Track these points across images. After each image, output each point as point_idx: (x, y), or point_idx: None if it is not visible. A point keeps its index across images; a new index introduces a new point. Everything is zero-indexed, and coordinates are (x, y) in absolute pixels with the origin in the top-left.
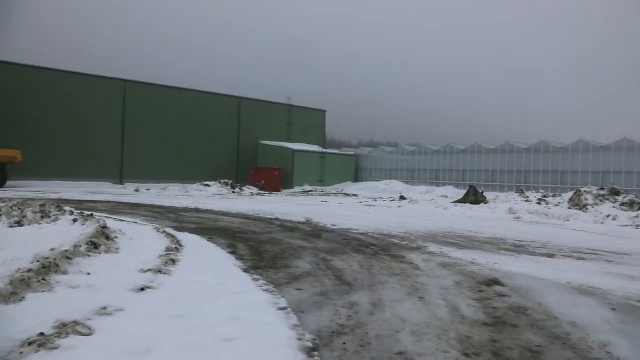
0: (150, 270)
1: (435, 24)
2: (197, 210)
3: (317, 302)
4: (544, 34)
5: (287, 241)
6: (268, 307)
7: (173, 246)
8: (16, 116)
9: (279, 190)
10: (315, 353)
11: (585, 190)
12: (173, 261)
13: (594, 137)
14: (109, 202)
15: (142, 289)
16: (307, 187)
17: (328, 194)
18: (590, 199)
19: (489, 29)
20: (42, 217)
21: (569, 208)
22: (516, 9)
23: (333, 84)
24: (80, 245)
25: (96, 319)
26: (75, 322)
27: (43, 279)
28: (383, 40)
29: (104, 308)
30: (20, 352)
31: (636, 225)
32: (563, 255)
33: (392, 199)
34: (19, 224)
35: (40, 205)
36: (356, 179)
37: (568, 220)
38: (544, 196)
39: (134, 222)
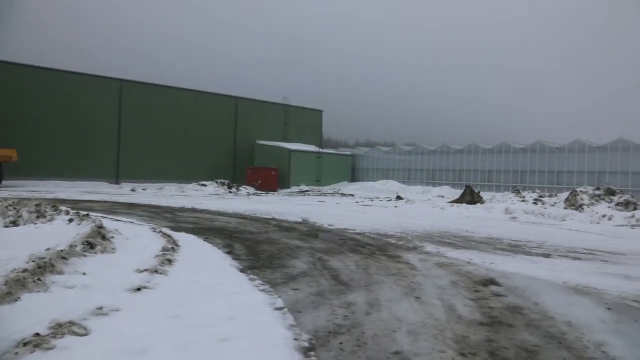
0: (146, 270)
1: (435, 24)
2: (193, 210)
3: (313, 302)
4: (544, 34)
5: (284, 241)
6: (265, 307)
7: (169, 246)
8: (15, 116)
9: (275, 191)
10: (312, 353)
11: (581, 191)
12: (169, 261)
13: (594, 138)
14: (105, 202)
15: (139, 289)
16: (304, 187)
17: (325, 194)
18: (586, 199)
19: (489, 29)
20: (37, 217)
21: (565, 208)
22: (516, 9)
23: (333, 84)
24: (76, 245)
25: (92, 319)
26: (71, 323)
27: (39, 279)
28: (383, 40)
29: (100, 308)
30: (16, 353)
31: (632, 226)
32: (559, 255)
33: (388, 199)
34: (15, 223)
35: (36, 205)
36: (353, 179)
37: (564, 220)
38: (540, 196)
39: (130, 222)
